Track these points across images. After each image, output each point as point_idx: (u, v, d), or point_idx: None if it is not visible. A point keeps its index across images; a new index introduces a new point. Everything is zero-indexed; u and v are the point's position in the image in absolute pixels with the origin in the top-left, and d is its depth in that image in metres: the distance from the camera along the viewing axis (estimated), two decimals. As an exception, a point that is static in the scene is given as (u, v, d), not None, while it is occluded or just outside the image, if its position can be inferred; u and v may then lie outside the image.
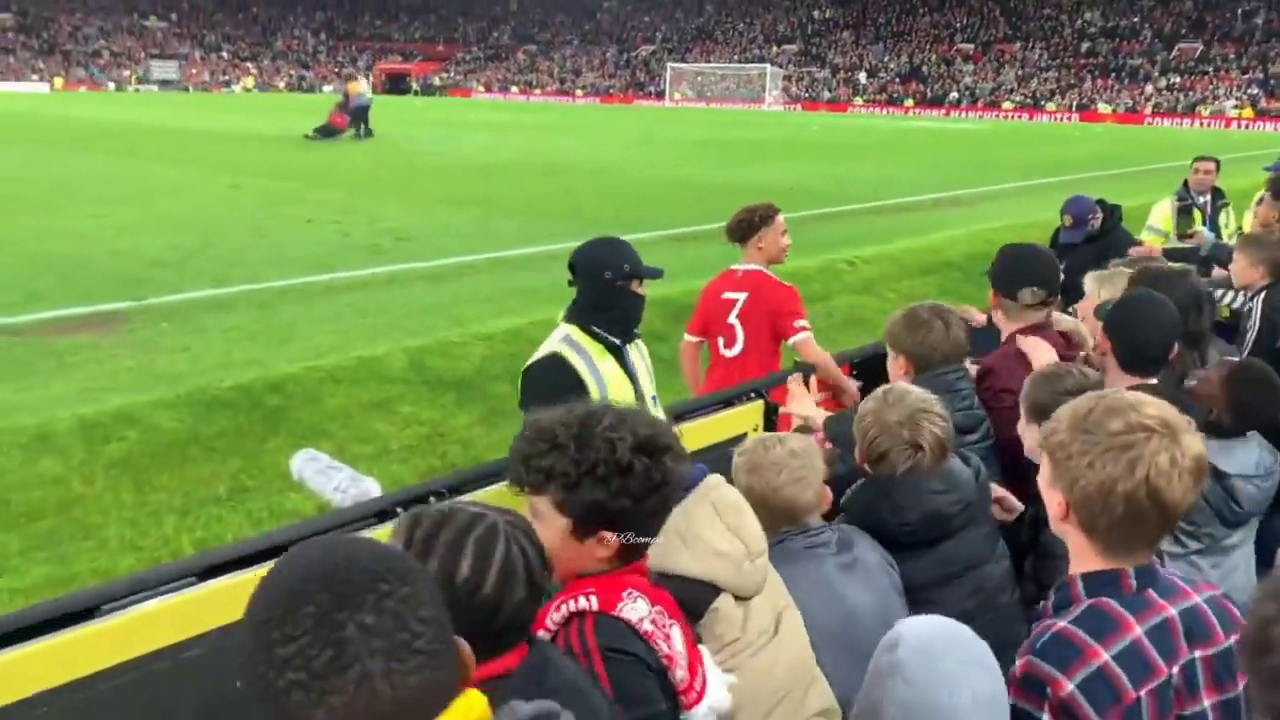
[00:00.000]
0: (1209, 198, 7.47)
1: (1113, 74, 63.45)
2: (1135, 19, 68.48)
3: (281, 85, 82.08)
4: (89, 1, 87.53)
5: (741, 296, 4.43)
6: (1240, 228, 7.51)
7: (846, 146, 29.73)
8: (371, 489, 5.00)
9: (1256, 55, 59.88)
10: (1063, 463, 1.70)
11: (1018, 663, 1.67)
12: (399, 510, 2.34)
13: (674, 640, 1.72)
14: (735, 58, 78.62)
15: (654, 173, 20.28)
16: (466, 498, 2.45)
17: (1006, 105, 62.44)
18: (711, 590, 1.95)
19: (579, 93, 79.28)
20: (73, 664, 1.91)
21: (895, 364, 3.22)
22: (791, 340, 4.37)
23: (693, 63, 78.68)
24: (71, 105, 44.94)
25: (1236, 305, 4.86)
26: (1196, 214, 7.24)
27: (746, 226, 4.49)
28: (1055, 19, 72.09)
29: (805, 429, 3.24)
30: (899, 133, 38.55)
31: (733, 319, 4.43)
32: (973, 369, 3.29)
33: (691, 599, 1.91)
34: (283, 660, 0.94)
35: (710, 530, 1.97)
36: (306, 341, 7.52)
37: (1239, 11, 64.05)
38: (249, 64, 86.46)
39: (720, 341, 4.51)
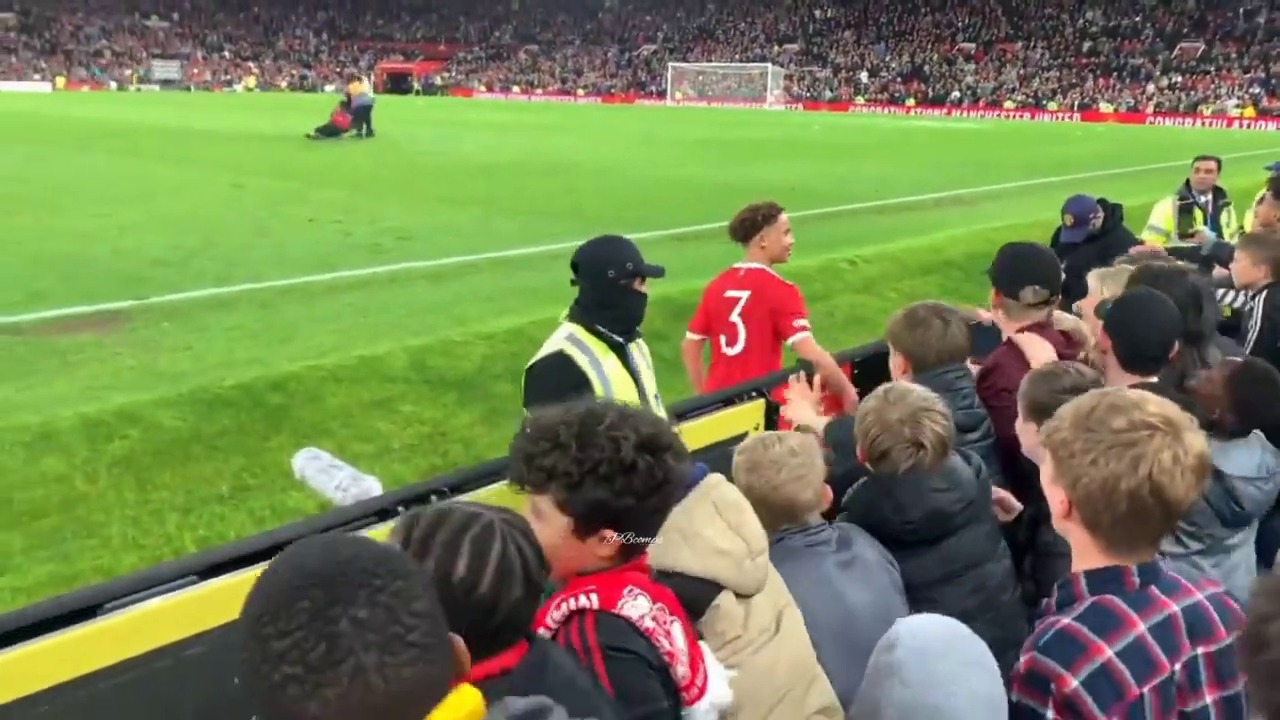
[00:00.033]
0: (1210, 197, 7.47)
1: (1114, 73, 63.42)
2: (1137, 18, 68.45)
3: (283, 85, 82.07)
4: (91, 1, 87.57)
5: (744, 295, 4.43)
6: (1241, 227, 7.50)
7: (848, 146, 29.71)
8: (372, 487, 5.02)
9: (1258, 54, 59.84)
10: (1065, 460, 1.70)
11: (1021, 659, 1.67)
12: (400, 509, 2.34)
13: (675, 637, 1.72)
14: (737, 57, 78.63)
15: (655, 172, 20.27)
16: (467, 496, 2.45)
17: (1008, 105, 62.40)
18: (713, 588, 1.95)
19: (580, 92, 79.26)
20: (75, 662, 1.92)
21: (896, 362, 3.22)
22: (790, 340, 4.37)
23: (694, 62, 78.69)
24: (73, 105, 44.97)
25: (1238, 305, 4.86)
26: (1198, 213, 7.23)
27: (750, 225, 4.49)
28: (1057, 18, 72.07)
29: (805, 429, 3.24)
30: (900, 132, 38.54)
31: (735, 317, 4.43)
32: (974, 368, 3.29)
33: (692, 597, 1.90)
34: (278, 654, 0.96)
35: (711, 528, 1.97)
36: (308, 340, 7.53)
37: (1241, 11, 64.01)
38: (251, 64, 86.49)
39: (722, 340, 4.51)
